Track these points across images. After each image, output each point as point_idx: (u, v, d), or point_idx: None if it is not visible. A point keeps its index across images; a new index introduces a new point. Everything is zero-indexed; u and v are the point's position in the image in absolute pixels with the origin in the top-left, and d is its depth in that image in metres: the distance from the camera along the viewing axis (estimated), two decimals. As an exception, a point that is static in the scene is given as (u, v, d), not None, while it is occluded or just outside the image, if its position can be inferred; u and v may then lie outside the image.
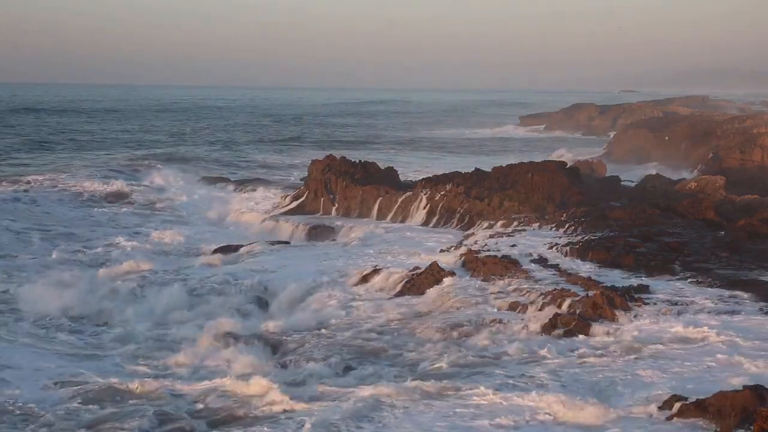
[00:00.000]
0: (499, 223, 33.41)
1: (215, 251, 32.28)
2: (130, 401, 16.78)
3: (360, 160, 45.54)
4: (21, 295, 25.24)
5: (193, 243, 35.31)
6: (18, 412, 16.53)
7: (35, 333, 22.64)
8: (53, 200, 44.25)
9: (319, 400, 16.18)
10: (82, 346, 21.79)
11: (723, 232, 28.69)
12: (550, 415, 14.70)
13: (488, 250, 27.02)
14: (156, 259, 31.29)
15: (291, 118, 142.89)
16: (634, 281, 22.88)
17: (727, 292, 21.46)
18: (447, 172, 42.99)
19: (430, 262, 25.56)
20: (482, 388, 15.95)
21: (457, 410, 15.12)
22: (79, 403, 16.76)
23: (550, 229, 30.91)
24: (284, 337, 21.32)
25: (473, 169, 42.18)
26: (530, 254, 26.41)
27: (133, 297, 25.73)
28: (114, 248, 33.70)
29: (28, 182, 47.53)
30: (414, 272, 24.61)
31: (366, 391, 16.23)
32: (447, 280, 23.94)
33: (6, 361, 19.59)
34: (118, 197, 46.03)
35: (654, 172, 50.19)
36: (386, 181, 42.78)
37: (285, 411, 15.70)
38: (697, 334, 18.46)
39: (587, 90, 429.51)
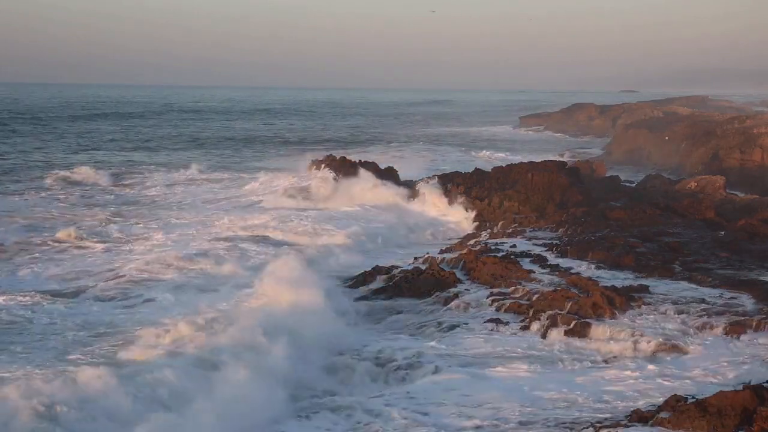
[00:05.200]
0: (500, 223, 33.42)
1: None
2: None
3: (360, 160, 45.52)
4: None
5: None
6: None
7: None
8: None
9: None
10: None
11: (723, 232, 28.67)
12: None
13: (488, 250, 27.00)
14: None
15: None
16: (634, 281, 22.87)
17: (727, 293, 21.44)
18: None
19: (429, 263, 25.54)
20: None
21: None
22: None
23: (550, 230, 30.92)
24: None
25: (473, 168, 42.22)
26: (530, 254, 26.39)
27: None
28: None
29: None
30: (414, 273, 24.57)
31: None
32: (447, 281, 23.88)
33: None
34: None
35: (654, 172, 50.18)
36: (386, 180, 42.76)
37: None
38: (696, 333, 18.45)
39: (587, 90, 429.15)
